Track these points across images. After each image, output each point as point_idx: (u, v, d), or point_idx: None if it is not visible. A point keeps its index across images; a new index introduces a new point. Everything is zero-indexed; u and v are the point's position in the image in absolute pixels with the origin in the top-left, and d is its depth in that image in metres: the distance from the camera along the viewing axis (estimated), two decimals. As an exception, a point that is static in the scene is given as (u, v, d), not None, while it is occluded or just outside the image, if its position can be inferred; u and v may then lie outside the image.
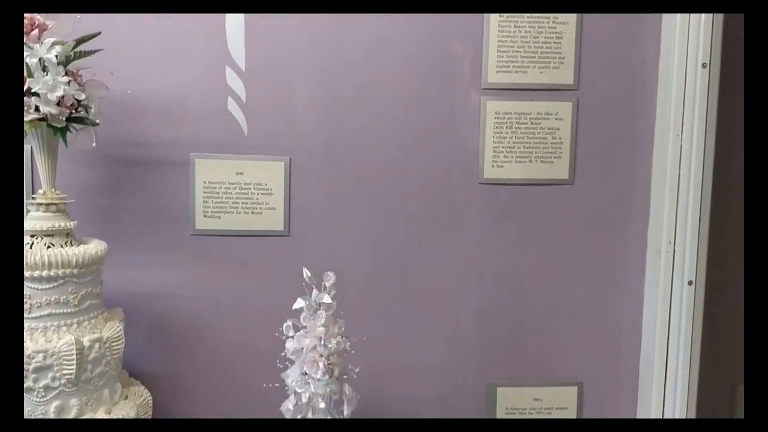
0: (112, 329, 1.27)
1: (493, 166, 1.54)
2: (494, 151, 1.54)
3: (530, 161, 1.54)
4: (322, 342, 1.27)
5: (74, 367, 1.18)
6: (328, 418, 1.29)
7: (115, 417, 1.24)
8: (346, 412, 1.31)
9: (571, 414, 1.65)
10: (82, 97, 1.20)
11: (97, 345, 1.23)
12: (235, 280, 1.56)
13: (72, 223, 1.26)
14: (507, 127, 1.53)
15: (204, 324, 1.56)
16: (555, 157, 1.54)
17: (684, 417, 1.56)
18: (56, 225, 1.23)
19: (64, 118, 1.18)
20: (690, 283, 1.49)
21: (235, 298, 1.56)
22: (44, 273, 1.17)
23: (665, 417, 1.58)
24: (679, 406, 1.56)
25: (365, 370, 1.35)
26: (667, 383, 1.57)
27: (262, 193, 1.52)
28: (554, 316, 1.63)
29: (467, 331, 1.62)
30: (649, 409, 1.59)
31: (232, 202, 1.51)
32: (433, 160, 1.56)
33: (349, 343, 1.32)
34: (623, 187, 1.59)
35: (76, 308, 1.22)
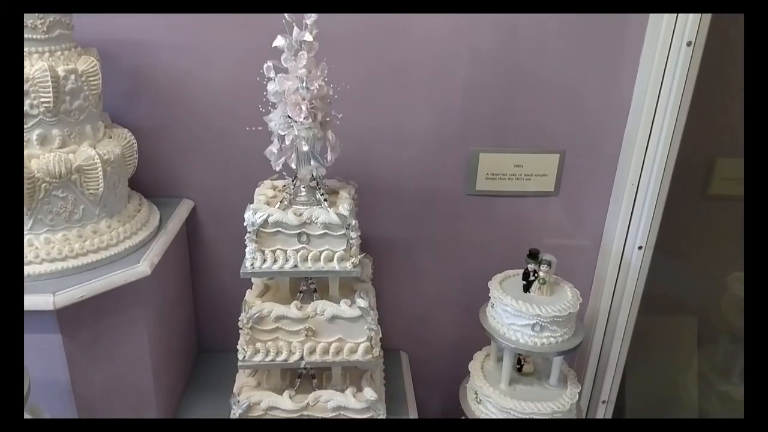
0: (87, 63, 1.24)
1: None
2: None
3: None
4: (304, 84, 1.24)
5: (51, 95, 1.16)
6: (312, 163, 1.31)
7: (101, 152, 1.25)
8: (330, 158, 1.33)
9: (550, 180, 1.70)
10: None
11: (72, 76, 1.20)
12: (215, 30, 1.48)
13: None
14: None
15: (185, 73, 1.52)
16: None
17: (658, 187, 1.61)
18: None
19: None
20: (689, 44, 1.43)
21: (215, 48, 1.50)
22: (5, -9, 1.10)
23: (639, 186, 1.62)
24: (655, 176, 1.60)
25: (350, 128, 1.35)
26: (648, 152, 1.59)
27: (238, -73, 1.38)
28: (545, 82, 1.59)
29: (454, 95, 1.60)
30: (625, 179, 1.64)
31: (206, -63, 1.38)
32: None
33: (332, 90, 1.29)
34: (635, -62, 1.45)
35: (46, 35, 1.17)
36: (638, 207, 1.64)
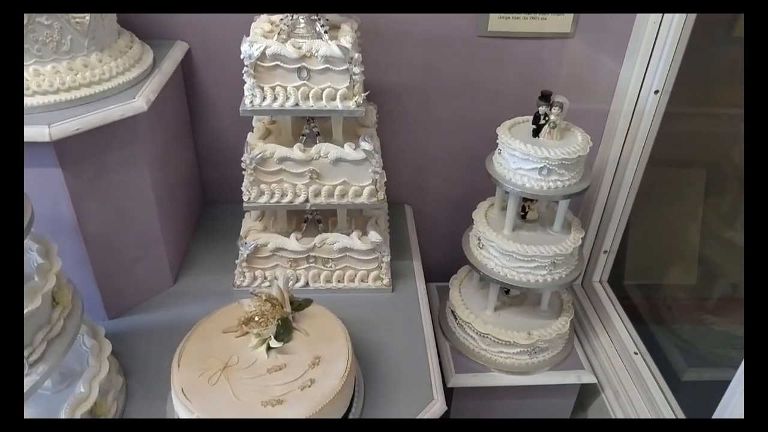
0: None
1: None
2: None
3: None
4: None
5: None
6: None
7: None
8: (330, -15, 1.23)
9: (566, 20, 1.59)
10: None
11: None
12: None
13: None
14: None
15: None
16: None
17: (680, 27, 1.51)
18: None
19: None
20: None
21: None
22: None
23: (661, 26, 1.52)
24: (678, 14, 1.49)
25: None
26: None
27: None
28: None
29: None
30: (647, 17, 1.53)
31: None
32: None
33: None
34: None
35: None
36: (658, 49, 1.55)
